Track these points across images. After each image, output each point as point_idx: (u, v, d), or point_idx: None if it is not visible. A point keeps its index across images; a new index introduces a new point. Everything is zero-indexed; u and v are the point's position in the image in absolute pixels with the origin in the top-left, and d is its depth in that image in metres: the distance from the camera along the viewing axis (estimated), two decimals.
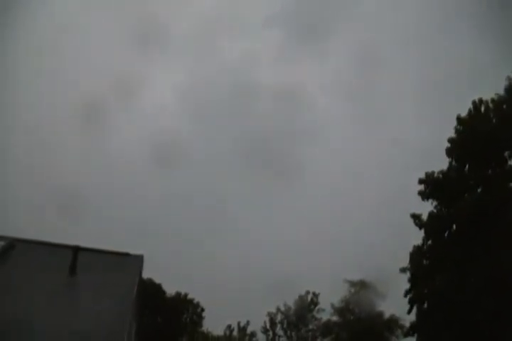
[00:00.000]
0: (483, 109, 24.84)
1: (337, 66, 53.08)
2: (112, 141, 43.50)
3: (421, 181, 25.28)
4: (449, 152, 25.10)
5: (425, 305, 24.91)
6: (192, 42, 51.01)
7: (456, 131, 24.95)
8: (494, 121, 24.54)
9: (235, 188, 44.62)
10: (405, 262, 25.58)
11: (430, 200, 25.30)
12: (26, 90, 40.54)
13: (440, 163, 25.49)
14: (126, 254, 15.84)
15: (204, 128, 55.77)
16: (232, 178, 43.65)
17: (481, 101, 24.87)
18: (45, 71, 44.82)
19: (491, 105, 24.81)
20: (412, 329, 26.03)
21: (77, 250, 14.58)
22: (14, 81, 35.39)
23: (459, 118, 24.99)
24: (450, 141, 25.10)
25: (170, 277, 38.55)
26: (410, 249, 25.53)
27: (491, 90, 24.98)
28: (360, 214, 43.49)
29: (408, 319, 28.01)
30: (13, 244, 14.73)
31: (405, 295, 25.19)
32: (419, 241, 25.56)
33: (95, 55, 50.58)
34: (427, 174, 25.33)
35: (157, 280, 39.75)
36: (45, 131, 41.05)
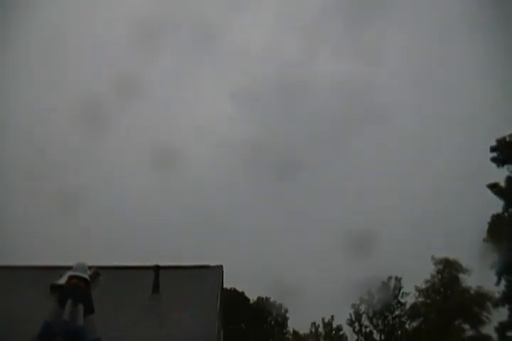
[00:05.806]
0: None
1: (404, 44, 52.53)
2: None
3: (493, 149, 24.49)
4: None
5: None
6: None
7: None
8: None
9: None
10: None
11: (506, 166, 24.47)
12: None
13: None
14: (206, 267, 16.13)
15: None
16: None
17: None
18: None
19: None
20: (504, 300, 25.29)
21: (158, 269, 15.04)
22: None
23: None
24: None
25: (249, 283, 38.83)
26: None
27: None
28: (438, 192, 42.51)
29: (496, 291, 27.38)
30: (98, 272, 15.35)
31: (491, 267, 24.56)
32: None
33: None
34: (498, 140, 24.49)
35: (239, 288, 40.43)
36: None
